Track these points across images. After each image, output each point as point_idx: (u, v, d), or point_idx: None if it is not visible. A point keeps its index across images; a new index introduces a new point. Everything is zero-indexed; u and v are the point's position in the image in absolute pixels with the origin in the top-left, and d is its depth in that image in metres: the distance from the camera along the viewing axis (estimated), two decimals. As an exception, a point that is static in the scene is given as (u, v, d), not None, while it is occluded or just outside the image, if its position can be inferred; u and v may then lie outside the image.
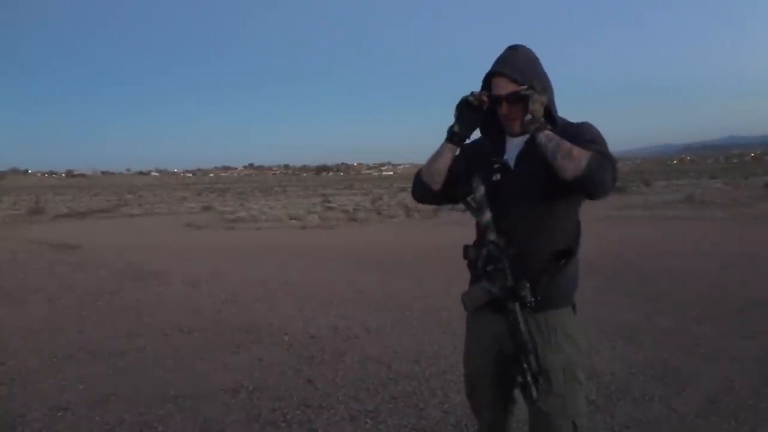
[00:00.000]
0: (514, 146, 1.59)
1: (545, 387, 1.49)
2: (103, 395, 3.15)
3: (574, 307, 1.59)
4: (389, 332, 4.31)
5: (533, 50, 1.58)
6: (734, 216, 12.49)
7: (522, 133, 1.56)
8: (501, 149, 1.61)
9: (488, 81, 1.57)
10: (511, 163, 1.57)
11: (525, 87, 1.49)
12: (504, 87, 1.51)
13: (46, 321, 4.85)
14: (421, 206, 19.88)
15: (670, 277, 5.77)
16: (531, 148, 1.51)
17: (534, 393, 1.45)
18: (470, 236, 1.67)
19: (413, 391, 3.13)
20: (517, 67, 1.51)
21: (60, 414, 2.93)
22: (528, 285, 1.46)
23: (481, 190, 1.56)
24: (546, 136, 1.44)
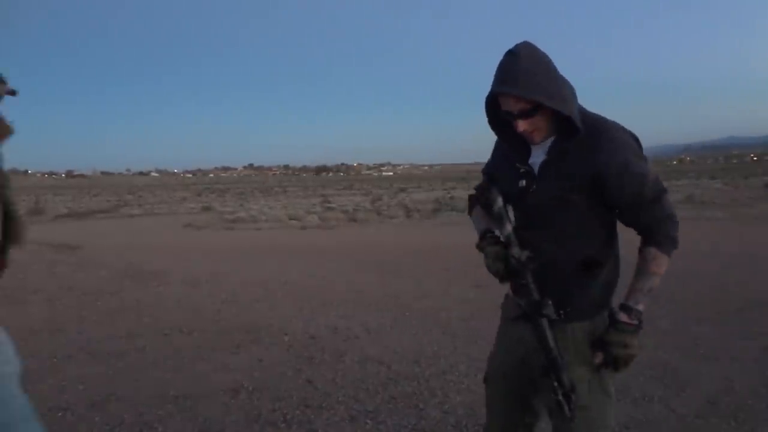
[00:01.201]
0: (538, 150, 1.47)
1: (596, 386, 1.44)
2: (103, 395, 3.16)
3: (606, 318, 1.50)
4: (389, 332, 4.31)
5: (536, 46, 1.40)
6: (734, 216, 12.50)
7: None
8: (526, 153, 1.48)
9: (493, 100, 1.43)
10: (536, 169, 1.45)
11: (534, 102, 1.34)
12: (513, 104, 1.36)
13: (46, 321, 4.86)
14: (420, 206, 19.90)
15: (670, 277, 5.74)
16: (556, 156, 1.41)
17: (567, 411, 1.39)
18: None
19: (413, 391, 3.13)
20: (520, 80, 1.33)
21: (60, 414, 2.93)
22: (550, 302, 1.39)
23: (498, 201, 1.46)
24: (640, 312, 1.40)
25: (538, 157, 1.45)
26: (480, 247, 1.50)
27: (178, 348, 4.03)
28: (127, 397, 3.14)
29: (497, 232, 1.48)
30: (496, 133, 1.52)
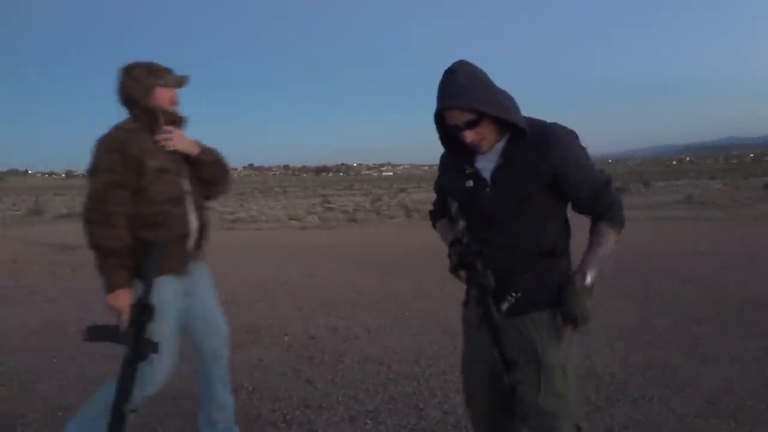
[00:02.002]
0: (485, 157, 1.58)
1: (546, 387, 1.51)
2: (103, 395, 3.15)
3: None
4: (389, 333, 4.31)
5: (471, 62, 1.51)
6: (734, 216, 12.50)
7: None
8: (471, 157, 1.60)
9: (440, 116, 1.53)
10: (486, 173, 1.57)
11: (476, 111, 1.45)
12: (457, 117, 1.48)
13: (46, 321, 4.86)
14: (420, 207, 19.91)
15: (670, 277, 5.77)
16: (510, 159, 1.53)
17: (506, 380, 1.48)
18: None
19: (413, 391, 3.13)
20: (460, 92, 1.44)
21: (60, 414, 2.93)
22: (489, 273, 1.51)
23: (455, 206, 1.60)
24: (593, 276, 1.52)
25: (487, 162, 1.57)
26: (449, 254, 1.63)
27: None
28: (127, 397, 3.13)
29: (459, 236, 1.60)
30: (446, 149, 1.64)
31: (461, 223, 1.58)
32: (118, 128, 2.16)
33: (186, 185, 2.24)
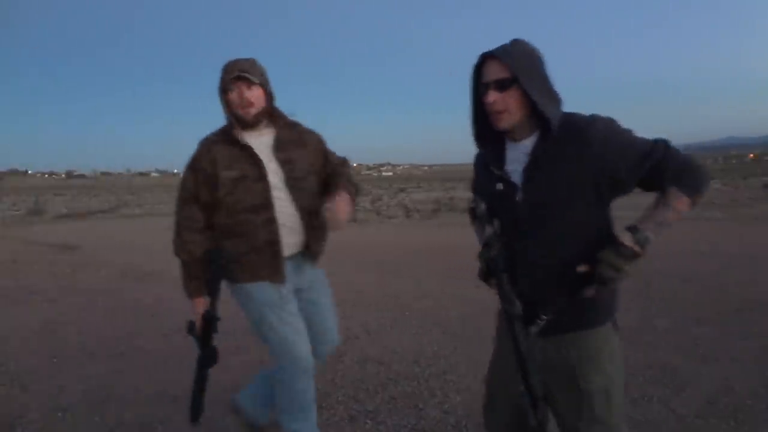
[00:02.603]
0: (515, 156, 1.46)
1: (588, 415, 1.39)
2: (103, 395, 3.16)
3: (614, 324, 1.47)
4: (389, 332, 4.31)
5: (536, 47, 1.44)
6: (733, 217, 12.50)
7: (509, 131, 1.45)
8: (501, 158, 1.49)
9: (479, 73, 1.45)
10: (517, 176, 1.43)
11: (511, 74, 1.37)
12: (494, 71, 1.39)
13: (46, 321, 4.86)
14: (420, 207, 19.90)
15: (669, 277, 5.77)
16: (540, 160, 1.39)
17: (532, 420, 1.35)
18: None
19: (413, 391, 3.13)
20: (506, 50, 1.38)
21: (60, 414, 2.93)
22: (518, 302, 1.38)
23: (482, 207, 1.46)
24: (644, 239, 1.31)
25: (517, 163, 1.44)
26: (478, 257, 1.51)
27: (178, 348, 4.03)
28: (127, 397, 3.14)
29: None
30: (475, 135, 1.54)
31: (489, 229, 1.43)
32: (203, 140, 2.15)
33: (275, 190, 2.10)
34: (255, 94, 2.06)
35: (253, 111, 2.07)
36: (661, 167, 1.35)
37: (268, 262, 2.11)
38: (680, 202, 1.34)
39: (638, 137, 1.38)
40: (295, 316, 2.17)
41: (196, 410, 2.22)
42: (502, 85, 1.38)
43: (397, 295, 5.59)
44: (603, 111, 1.45)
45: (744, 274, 5.87)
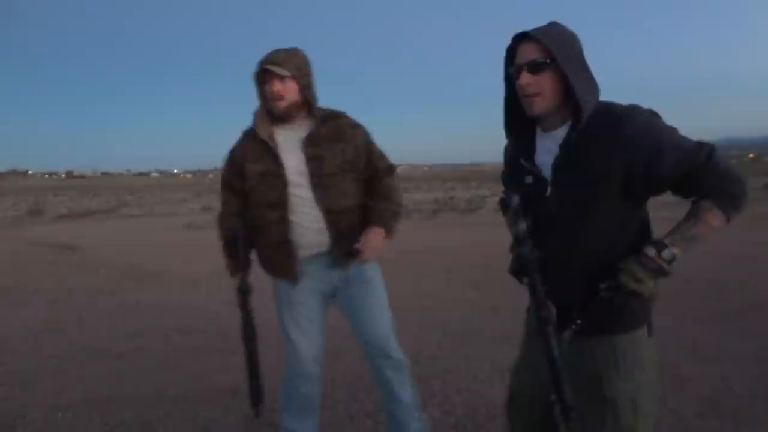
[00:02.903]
0: (546, 147, 1.38)
1: (612, 423, 1.31)
2: (103, 395, 3.16)
3: (650, 327, 1.39)
4: (389, 333, 4.31)
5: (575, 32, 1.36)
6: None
7: (543, 118, 1.36)
8: (531, 149, 1.41)
9: (513, 54, 1.36)
10: (547, 170, 1.36)
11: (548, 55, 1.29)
12: (529, 52, 1.31)
13: (46, 321, 4.86)
14: (420, 207, 19.88)
15: (670, 277, 5.76)
16: (571, 155, 1.30)
17: (563, 429, 1.27)
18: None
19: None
20: (544, 31, 1.31)
21: (60, 414, 2.93)
22: (552, 307, 1.29)
23: (514, 200, 1.34)
24: (672, 254, 1.26)
25: (546, 155, 1.37)
26: (510, 250, 1.46)
27: (178, 348, 4.04)
28: (127, 396, 3.14)
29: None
30: (506, 124, 1.45)
31: (521, 225, 1.33)
32: (245, 130, 2.16)
33: (296, 188, 2.04)
34: (286, 87, 1.99)
35: (283, 104, 2.01)
36: (699, 175, 1.26)
37: (281, 260, 2.11)
38: (714, 217, 1.28)
39: (681, 137, 1.28)
40: (306, 318, 2.18)
41: (255, 397, 2.23)
42: (537, 67, 1.30)
43: (397, 295, 5.57)
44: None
45: (744, 274, 5.87)
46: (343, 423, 2.79)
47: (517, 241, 1.34)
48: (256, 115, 2.09)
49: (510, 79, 1.39)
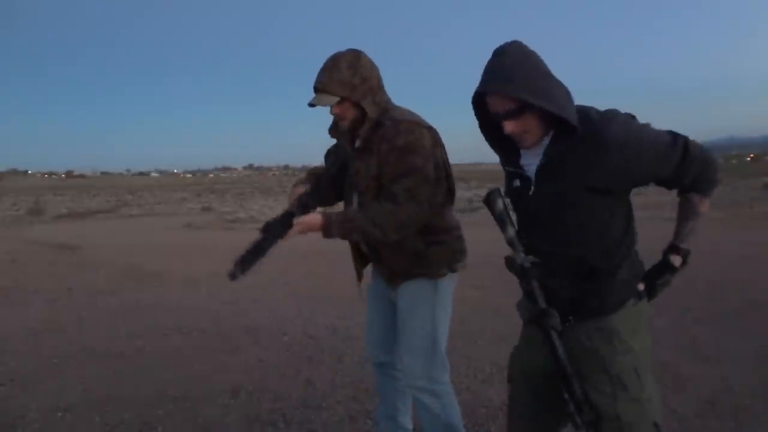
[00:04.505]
0: (532, 152, 1.40)
1: (623, 396, 1.36)
2: (103, 395, 3.16)
3: (639, 295, 1.44)
4: (389, 333, 4.31)
5: (526, 45, 1.34)
6: (733, 216, 12.50)
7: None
8: (515, 154, 1.44)
9: (479, 99, 1.38)
10: (531, 170, 1.40)
11: (520, 102, 1.28)
12: (499, 104, 1.31)
13: (46, 321, 4.85)
14: (420, 207, 19.84)
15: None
16: (555, 158, 1.34)
17: (578, 422, 1.36)
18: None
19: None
20: (504, 76, 1.28)
21: (60, 414, 2.93)
22: (556, 312, 1.36)
23: (498, 204, 1.43)
24: (686, 255, 1.43)
25: (531, 158, 1.40)
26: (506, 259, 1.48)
27: (178, 348, 4.03)
28: (127, 397, 3.14)
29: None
30: (486, 137, 1.46)
31: (510, 231, 1.42)
32: None
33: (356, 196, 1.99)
34: (342, 109, 1.87)
35: (346, 123, 1.91)
36: (680, 172, 1.36)
37: (354, 260, 2.23)
38: (705, 206, 1.43)
39: (657, 136, 1.33)
40: (371, 309, 2.28)
41: (243, 265, 1.77)
42: (515, 114, 1.31)
43: (397, 295, 5.58)
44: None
45: (744, 274, 5.87)
46: (343, 423, 2.79)
47: (509, 246, 1.42)
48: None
49: (477, 104, 1.40)
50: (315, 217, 1.86)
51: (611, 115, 1.32)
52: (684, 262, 1.42)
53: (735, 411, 2.74)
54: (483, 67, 1.34)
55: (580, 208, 1.35)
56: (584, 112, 1.33)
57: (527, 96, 1.26)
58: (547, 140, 1.37)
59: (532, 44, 1.36)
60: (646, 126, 1.34)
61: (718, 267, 6.30)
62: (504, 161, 1.47)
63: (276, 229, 1.86)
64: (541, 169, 1.37)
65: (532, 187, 1.39)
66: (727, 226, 10.79)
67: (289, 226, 1.86)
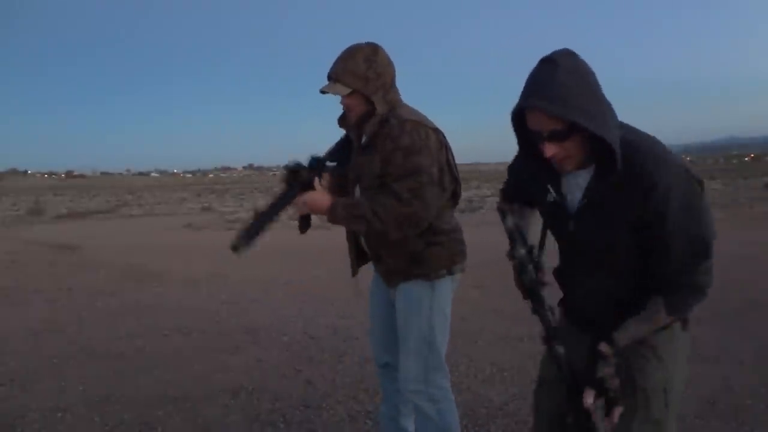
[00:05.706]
0: (571, 181, 1.28)
1: (642, 414, 1.29)
2: (103, 395, 3.16)
3: (684, 322, 1.35)
4: (389, 333, 4.31)
5: (578, 55, 1.17)
6: (733, 217, 12.50)
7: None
8: (556, 174, 1.29)
9: (520, 114, 1.21)
10: (573, 204, 1.29)
11: (567, 123, 1.12)
12: (544, 123, 1.14)
13: (46, 321, 4.85)
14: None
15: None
16: (596, 199, 1.23)
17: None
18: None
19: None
20: (554, 92, 1.11)
21: (60, 414, 2.93)
22: (562, 347, 1.27)
23: (508, 221, 1.27)
24: (617, 352, 1.23)
25: (573, 187, 1.28)
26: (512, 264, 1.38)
27: (178, 348, 4.03)
28: (127, 397, 3.14)
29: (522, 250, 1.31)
30: (523, 153, 1.32)
31: (520, 251, 1.28)
32: None
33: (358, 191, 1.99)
34: (351, 101, 1.85)
35: (353, 116, 1.88)
36: (673, 270, 1.22)
37: (350, 252, 2.21)
38: (660, 319, 1.26)
39: (696, 225, 1.19)
40: (373, 309, 2.26)
41: (248, 237, 1.81)
42: (559, 136, 1.15)
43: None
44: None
45: (744, 274, 5.87)
46: (342, 423, 2.79)
47: (519, 265, 1.29)
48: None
49: (517, 118, 1.24)
50: (323, 195, 1.84)
51: (667, 164, 1.17)
52: (614, 355, 1.22)
53: (735, 411, 2.74)
54: (527, 75, 1.17)
55: (620, 244, 1.26)
56: (634, 146, 1.17)
57: (581, 119, 1.10)
58: (586, 175, 1.25)
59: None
60: (702, 204, 1.20)
61: (718, 267, 6.25)
62: (547, 179, 1.32)
63: (283, 198, 1.87)
64: (582, 207, 1.28)
65: (572, 222, 1.30)
66: (727, 226, 10.79)
67: (296, 195, 1.86)
